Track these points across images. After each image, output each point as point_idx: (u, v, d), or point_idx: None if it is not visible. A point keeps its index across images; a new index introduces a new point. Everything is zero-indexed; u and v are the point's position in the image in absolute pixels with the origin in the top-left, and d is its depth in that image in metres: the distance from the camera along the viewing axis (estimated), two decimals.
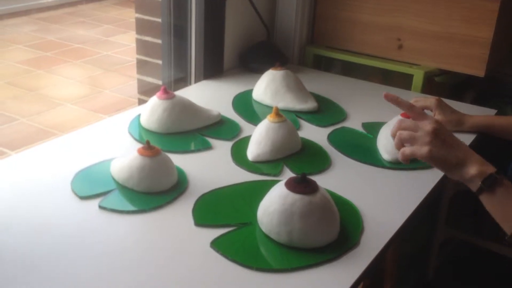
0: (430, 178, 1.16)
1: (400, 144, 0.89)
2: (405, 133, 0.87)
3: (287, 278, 0.87)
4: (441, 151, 0.86)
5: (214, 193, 1.06)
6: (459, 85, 1.81)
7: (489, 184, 0.85)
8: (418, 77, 1.67)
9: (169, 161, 1.07)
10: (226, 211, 1.01)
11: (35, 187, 1.05)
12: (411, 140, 0.87)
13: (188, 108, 1.30)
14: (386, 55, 1.75)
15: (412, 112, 0.90)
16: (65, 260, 0.87)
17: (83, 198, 1.02)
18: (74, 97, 3.37)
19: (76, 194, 1.02)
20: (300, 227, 0.91)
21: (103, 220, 0.97)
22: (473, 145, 1.34)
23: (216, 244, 0.92)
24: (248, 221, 0.98)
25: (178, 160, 1.15)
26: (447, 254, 2.10)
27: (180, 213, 1.00)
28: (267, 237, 0.94)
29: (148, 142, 1.06)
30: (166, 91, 1.29)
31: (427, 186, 1.14)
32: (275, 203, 0.93)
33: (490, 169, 0.86)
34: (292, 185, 0.94)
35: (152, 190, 1.04)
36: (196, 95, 1.55)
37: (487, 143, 1.40)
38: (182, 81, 1.64)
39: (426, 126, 0.87)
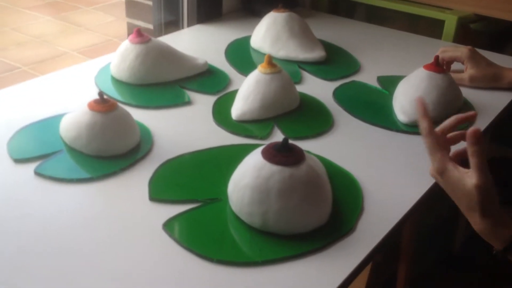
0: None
1: None
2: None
3: (256, 273, 0.67)
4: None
5: (181, 159, 0.86)
6: (499, 34, 1.55)
7: None
8: (450, 24, 1.41)
9: (127, 117, 0.87)
10: (192, 183, 0.81)
11: None
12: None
13: (166, 54, 1.09)
14: None
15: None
16: None
17: (18, 161, 0.83)
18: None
19: (10, 155, 0.84)
20: (278, 208, 0.70)
21: (37, 190, 0.78)
22: None
23: (169, 226, 0.72)
24: (217, 197, 0.78)
25: (148, 116, 0.96)
26: None
27: (135, 183, 0.81)
28: (237, 218, 0.74)
29: (101, 94, 0.86)
30: (139, 34, 1.08)
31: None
32: (247, 176, 0.72)
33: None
34: (270, 153, 0.73)
35: (104, 154, 0.84)
36: (186, 41, 1.34)
37: None
38: (173, 24, 1.43)
39: (471, 179, 0.68)
